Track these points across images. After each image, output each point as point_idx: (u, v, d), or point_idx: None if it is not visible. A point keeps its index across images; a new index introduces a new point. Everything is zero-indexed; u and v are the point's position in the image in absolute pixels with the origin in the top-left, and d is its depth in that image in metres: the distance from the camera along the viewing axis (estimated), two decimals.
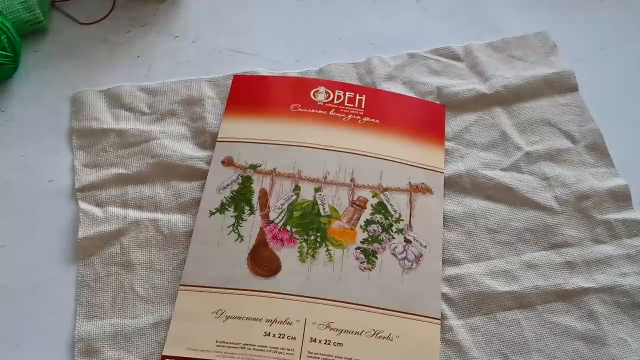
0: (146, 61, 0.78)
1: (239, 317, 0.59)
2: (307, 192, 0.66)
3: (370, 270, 0.62)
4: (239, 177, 0.67)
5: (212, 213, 0.64)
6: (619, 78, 0.77)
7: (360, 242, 0.63)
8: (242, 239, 0.63)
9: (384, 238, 0.64)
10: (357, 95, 0.73)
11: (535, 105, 0.74)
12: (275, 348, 0.57)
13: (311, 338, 0.58)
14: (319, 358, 0.57)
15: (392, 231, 0.64)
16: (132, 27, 0.81)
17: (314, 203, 0.65)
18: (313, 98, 0.73)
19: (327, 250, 0.63)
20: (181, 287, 0.61)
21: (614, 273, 0.63)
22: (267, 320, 0.58)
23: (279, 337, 0.58)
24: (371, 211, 0.65)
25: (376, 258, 0.63)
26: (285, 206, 0.65)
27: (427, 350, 0.58)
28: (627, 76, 0.77)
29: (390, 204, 0.66)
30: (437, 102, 0.74)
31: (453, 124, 0.73)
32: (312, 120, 0.71)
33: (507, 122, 0.73)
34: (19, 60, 0.74)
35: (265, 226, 0.64)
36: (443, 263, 0.63)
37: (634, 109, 0.75)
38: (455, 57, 0.78)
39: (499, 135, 0.72)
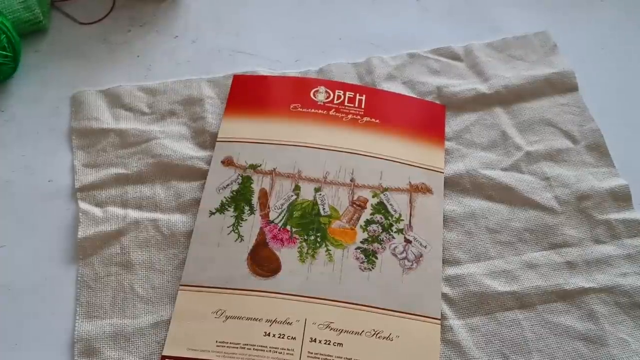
0: (146, 61, 0.78)
1: (239, 317, 0.59)
2: (307, 192, 0.66)
3: (370, 270, 0.62)
4: (239, 177, 0.67)
5: (212, 213, 0.64)
6: (620, 78, 0.77)
7: (360, 242, 0.63)
8: (242, 239, 0.63)
9: (384, 238, 0.64)
10: (357, 95, 0.73)
11: (536, 105, 0.74)
12: (275, 348, 0.57)
13: (311, 338, 0.58)
14: (319, 358, 0.57)
15: (392, 231, 0.64)
16: (132, 27, 0.81)
17: (314, 203, 0.65)
18: (313, 98, 0.73)
19: (327, 250, 0.63)
20: (181, 287, 0.61)
21: (614, 273, 0.63)
22: (267, 320, 0.58)
23: (279, 337, 0.58)
24: (371, 211, 0.65)
25: (376, 258, 0.63)
26: (285, 206, 0.65)
27: (427, 351, 0.58)
28: (627, 76, 0.77)
29: (390, 204, 0.66)
30: (437, 102, 0.74)
31: (453, 124, 0.72)
32: (312, 120, 0.71)
33: (507, 122, 0.73)
34: (19, 60, 0.74)
35: (265, 226, 0.64)
36: (443, 263, 0.63)
37: (634, 108, 0.75)
38: (456, 57, 0.78)
39: (499, 135, 0.72)
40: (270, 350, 0.57)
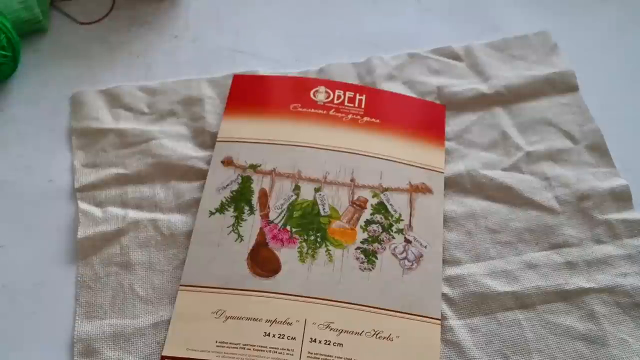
0: (146, 61, 0.77)
1: (239, 318, 0.59)
2: (307, 192, 0.66)
3: (370, 270, 0.62)
4: (239, 177, 0.67)
5: (212, 213, 0.64)
6: (620, 78, 0.77)
7: (360, 242, 0.63)
8: (242, 239, 0.63)
9: (384, 238, 0.64)
10: (357, 95, 0.73)
11: (536, 105, 0.74)
12: (275, 348, 0.57)
13: (311, 338, 0.58)
14: (319, 358, 0.57)
15: (392, 231, 0.64)
16: (132, 27, 0.80)
17: (314, 203, 0.65)
18: (313, 98, 0.73)
19: (327, 250, 0.63)
20: (181, 288, 0.60)
21: (614, 273, 0.62)
22: (267, 321, 0.58)
23: (279, 337, 0.58)
24: (371, 211, 0.65)
25: (376, 258, 0.62)
26: (285, 206, 0.65)
27: (427, 351, 0.58)
28: (627, 76, 0.77)
29: (391, 204, 0.66)
30: (438, 102, 0.74)
31: (453, 124, 0.72)
32: (312, 120, 0.71)
33: (507, 122, 0.73)
34: (19, 60, 0.74)
35: (265, 226, 0.64)
36: (443, 263, 0.63)
37: (634, 108, 0.74)
38: (456, 57, 0.78)
39: (500, 135, 0.72)
40: (270, 351, 0.57)
